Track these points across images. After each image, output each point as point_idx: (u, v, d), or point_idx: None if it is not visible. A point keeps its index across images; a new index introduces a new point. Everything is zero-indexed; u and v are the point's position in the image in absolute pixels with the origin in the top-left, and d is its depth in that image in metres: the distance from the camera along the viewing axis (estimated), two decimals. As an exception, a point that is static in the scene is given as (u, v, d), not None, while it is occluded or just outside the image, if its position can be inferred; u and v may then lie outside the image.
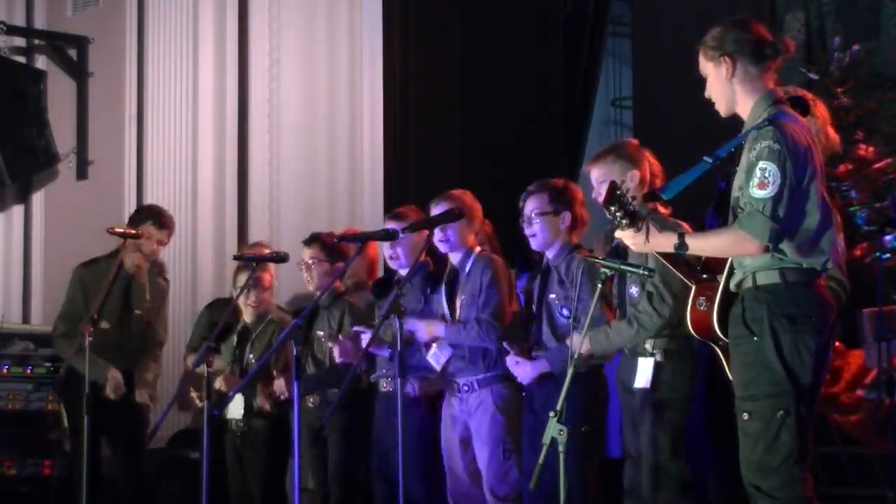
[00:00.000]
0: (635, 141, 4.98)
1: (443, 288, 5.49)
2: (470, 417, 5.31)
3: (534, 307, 5.16)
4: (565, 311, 4.97)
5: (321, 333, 5.98)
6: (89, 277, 6.51)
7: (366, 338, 5.43)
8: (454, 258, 5.47)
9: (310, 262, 6.00)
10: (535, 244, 5.14)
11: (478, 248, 5.45)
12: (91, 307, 6.32)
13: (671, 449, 4.56)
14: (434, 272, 5.63)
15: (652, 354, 4.61)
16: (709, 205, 5.01)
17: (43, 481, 7.02)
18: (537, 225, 5.07)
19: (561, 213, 5.07)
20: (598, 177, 4.77)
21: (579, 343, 4.39)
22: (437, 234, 5.32)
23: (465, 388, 5.31)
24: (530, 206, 5.11)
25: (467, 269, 5.39)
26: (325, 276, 5.92)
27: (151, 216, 6.51)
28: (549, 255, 5.12)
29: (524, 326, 5.25)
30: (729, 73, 3.87)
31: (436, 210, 5.39)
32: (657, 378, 4.59)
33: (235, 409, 6.19)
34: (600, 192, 4.65)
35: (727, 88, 3.90)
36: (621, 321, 4.73)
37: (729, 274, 3.90)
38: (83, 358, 5.78)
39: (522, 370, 5.05)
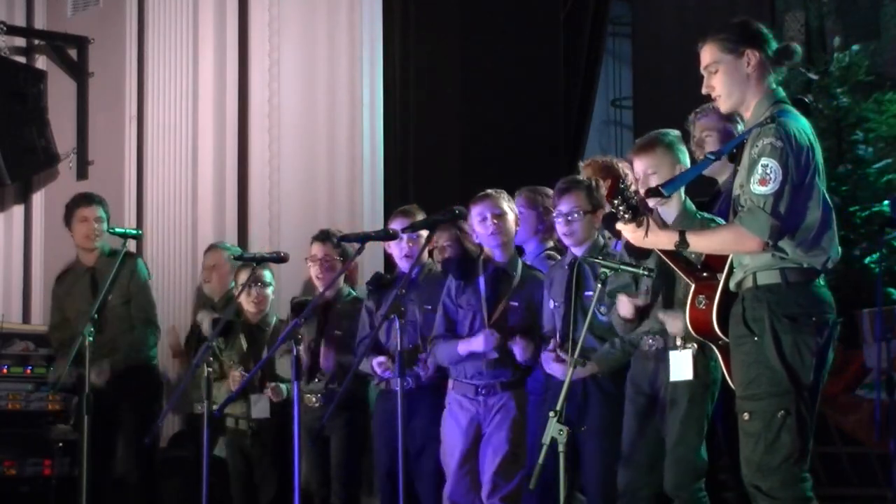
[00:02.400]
0: (677, 132, 4.79)
1: (482, 285, 5.39)
2: (487, 420, 5.28)
3: (555, 305, 5.12)
4: (603, 309, 4.89)
5: (339, 333, 5.95)
6: (58, 289, 6.80)
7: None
8: (499, 255, 5.38)
9: (323, 259, 5.96)
10: (570, 240, 5.08)
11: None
12: (68, 314, 6.61)
13: (699, 444, 4.49)
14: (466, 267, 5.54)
15: (686, 347, 4.50)
16: (707, 201, 5.00)
17: (43, 481, 7.01)
18: (577, 223, 5.02)
19: (597, 210, 5.03)
20: (648, 168, 4.61)
21: (578, 346, 4.35)
22: (489, 227, 5.28)
23: (484, 391, 5.28)
24: (570, 204, 5.03)
25: (519, 271, 5.34)
26: (332, 274, 5.89)
27: (77, 202, 6.67)
28: (578, 252, 5.06)
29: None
30: (752, 66, 3.85)
31: (477, 209, 5.34)
32: (695, 370, 4.49)
33: (261, 408, 6.17)
34: (647, 184, 4.50)
35: (742, 83, 3.88)
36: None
37: (729, 273, 3.90)
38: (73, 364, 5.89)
39: (557, 368, 4.96)
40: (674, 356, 4.51)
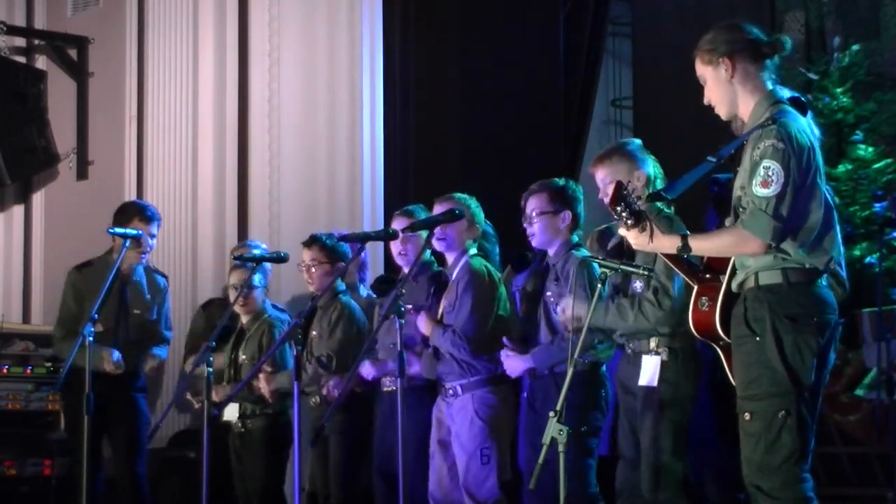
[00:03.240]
0: (639, 141, 4.98)
1: (430, 291, 5.55)
2: (452, 421, 5.35)
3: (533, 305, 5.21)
4: (559, 309, 4.98)
5: (314, 334, 5.99)
6: (81, 281, 6.53)
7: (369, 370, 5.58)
8: (450, 259, 5.51)
9: (310, 263, 5.99)
10: (534, 242, 5.19)
11: (472, 252, 5.47)
12: (87, 309, 6.33)
13: (672, 448, 4.56)
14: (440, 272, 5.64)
15: (657, 353, 4.60)
16: (708, 204, 5.04)
17: (43, 481, 7.01)
18: (537, 224, 5.12)
19: (561, 212, 5.10)
20: (604, 177, 4.79)
21: (578, 346, 4.35)
22: (436, 233, 5.34)
23: (451, 392, 5.36)
24: (531, 206, 5.15)
25: (454, 275, 5.43)
26: (325, 276, 5.92)
27: (137, 212, 6.50)
28: (550, 253, 5.17)
29: (521, 324, 5.28)
30: (729, 73, 3.88)
31: (438, 209, 5.40)
32: (661, 377, 4.58)
33: (231, 411, 6.19)
34: (607, 193, 4.62)
35: (728, 90, 3.91)
36: (624, 300, 4.71)
37: (731, 274, 3.90)
38: (83, 355, 5.76)
39: (511, 364, 5.13)
40: (646, 360, 4.60)
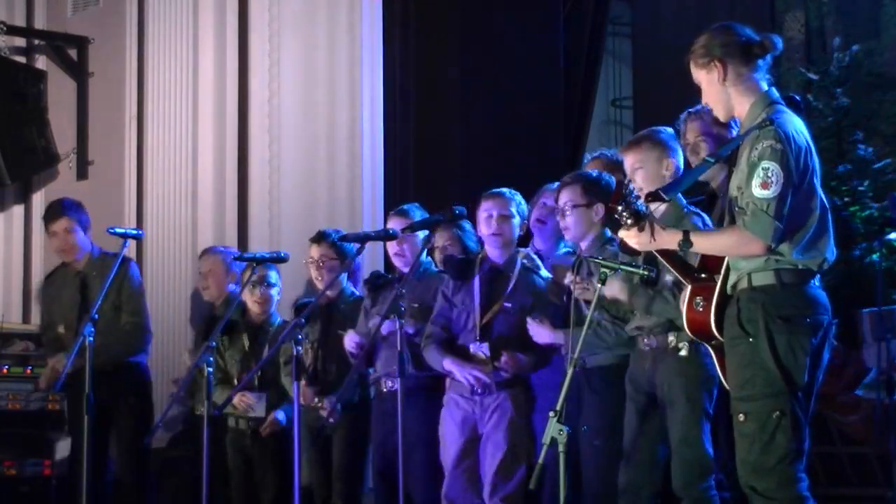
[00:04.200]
0: (671, 130, 4.83)
1: (476, 286, 5.40)
2: (484, 419, 5.29)
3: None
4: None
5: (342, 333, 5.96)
6: (46, 293, 6.71)
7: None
8: (497, 255, 5.42)
9: (320, 260, 5.97)
10: (568, 236, 5.13)
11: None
12: (55, 316, 6.54)
13: (703, 440, 4.49)
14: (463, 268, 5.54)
15: (678, 349, 4.50)
16: (703, 202, 5.00)
17: (43, 481, 7.00)
18: (570, 217, 5.03)
19: (594, 205, 5.00)
20: (634, 163, 4.66)
21: (579, 344, 4.33)
22: (493, 228, 5.31)
23: (480, 390, 5.28)
24: (564, 198, 5.05)
25: (516, 273, 5.34)
26: (334, 273, 5.90)
27: (45, 215, 6.61)
28: (583, 246, 5.08)
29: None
30: (721, 76, 3.88)
31: (486, 205, 5.37)
32: (682, 371, 4.46)
33: (260, 407, 6.17)
34: (634, 179, 4.58)
35: (721, 93, 3.92)
36: (665, 291, 4.54)
37: (726, 275, 3.91)
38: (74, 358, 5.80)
39: (540, 331, 5.05)
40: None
